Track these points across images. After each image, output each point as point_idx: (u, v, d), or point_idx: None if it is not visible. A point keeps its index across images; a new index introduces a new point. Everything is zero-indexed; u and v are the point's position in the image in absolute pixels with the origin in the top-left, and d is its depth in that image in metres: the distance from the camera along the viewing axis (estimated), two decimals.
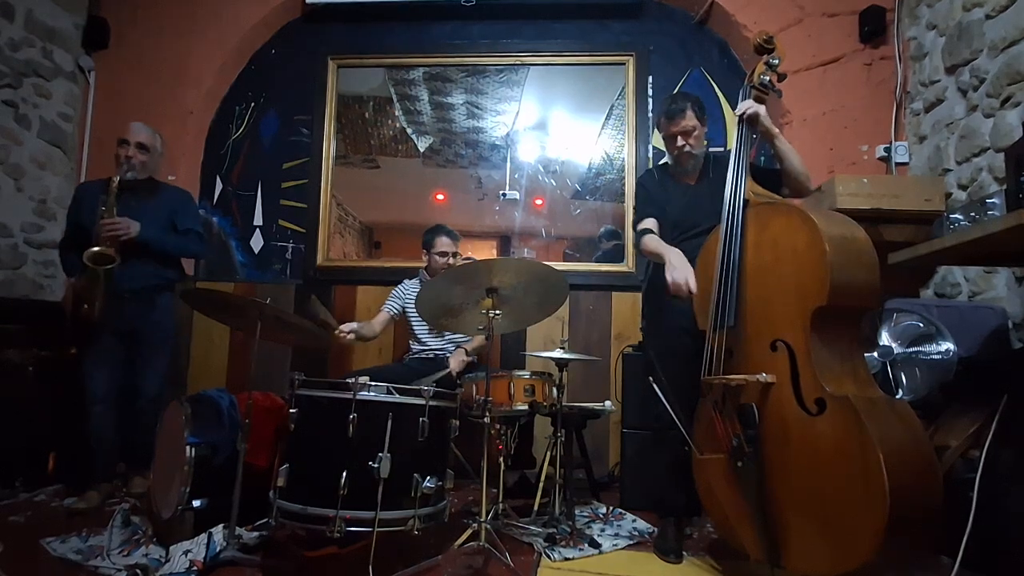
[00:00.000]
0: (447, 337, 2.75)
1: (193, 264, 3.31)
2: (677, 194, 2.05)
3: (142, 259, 2.28)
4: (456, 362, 2.54)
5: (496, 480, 2.03)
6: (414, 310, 2.75)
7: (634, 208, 2.18)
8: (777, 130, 1.88)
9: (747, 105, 1.84)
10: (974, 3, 2.30)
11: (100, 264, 2.14)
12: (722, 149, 3.00)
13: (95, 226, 2.18)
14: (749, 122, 1.84)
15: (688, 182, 2.07)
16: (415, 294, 2.78)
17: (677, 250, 1.86)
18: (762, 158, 3.09)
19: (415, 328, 2.80)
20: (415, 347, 2.81)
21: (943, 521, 1.36)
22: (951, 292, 2.43)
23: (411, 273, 2.92)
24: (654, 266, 2.07)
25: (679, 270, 1.78)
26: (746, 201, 1.72)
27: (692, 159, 2.02)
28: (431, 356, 2.71)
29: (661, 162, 3.06)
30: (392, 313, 2.79)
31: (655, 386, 1.72)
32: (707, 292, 1.73)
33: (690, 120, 1.97)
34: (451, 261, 2.68)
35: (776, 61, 1.86)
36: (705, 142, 2.09)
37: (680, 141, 1.99)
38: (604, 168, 3.25)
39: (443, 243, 2.69)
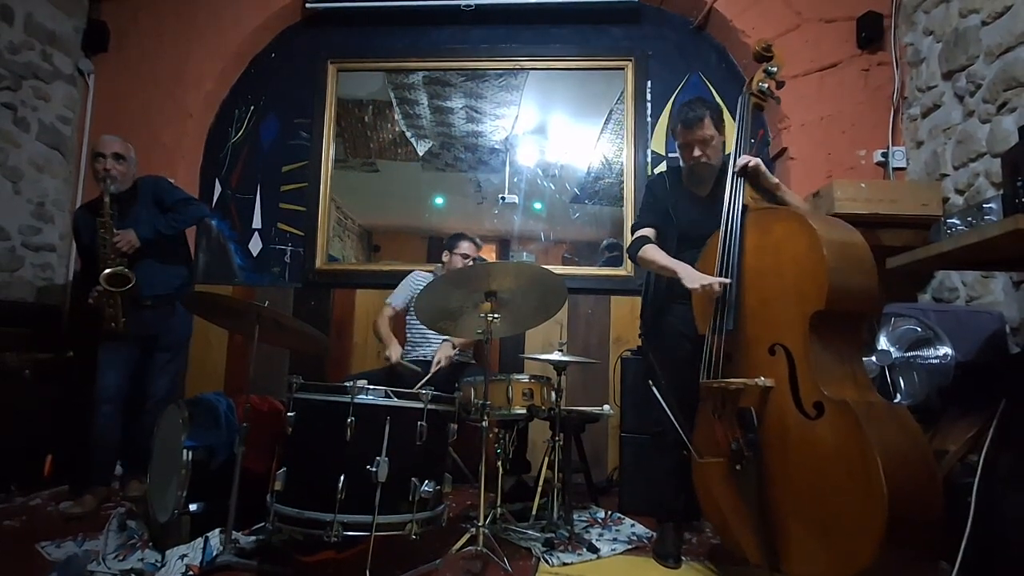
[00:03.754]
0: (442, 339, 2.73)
1: (192, 267, 3.30)
2: (686, 204, 2.00)
3: (154, 261, 2.33)
4: (443, 357, 2.49)
5: (494, 484, 2.02)
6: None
7: (638, 209, 2.15)
8: (776, 180, 1.82)
9: (745, 160, 1.77)
10: (970, 9, 2.32)
11: (119, 286, 2.20)
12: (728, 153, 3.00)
13: (97, 248, 2.23)
14: (752, 175, 1.77)
15: (699, 193, 2.02)
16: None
17: (687, 264, 1.81)
18: None
19: (412, 328, 2.79)
20: (407, 348, 2.78)
21: (943, 526, 1.35)
22: (949, 297, 2.44)
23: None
24: (655, 272, 2.06)
25: (704, 278, 1.72)
26: (745, 206, 1.73)
27: (708, 169, 1.97)
28: (428, 359, 2.69)
29: (666, 167, 3.07)
30: (397, 308, 2.78)
31: (654, 390, 1.72)
32: (707, 296, 1.73)
33: (708, 129, 1.90)
34: (470, 264, 2.69)
35: (775, 69, 1.86)
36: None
37: (697, 151, 1.92)
38: (603, 172, 3.26)
39: (466, 246, 2.71)
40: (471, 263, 2.68)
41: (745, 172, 1.77)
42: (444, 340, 2.62)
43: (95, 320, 2.27)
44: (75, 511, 2.16)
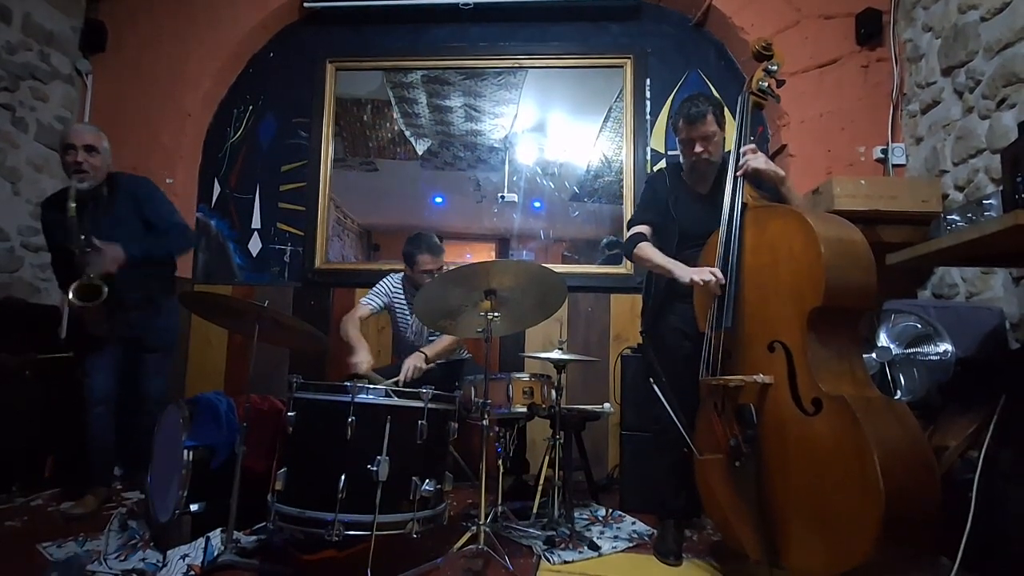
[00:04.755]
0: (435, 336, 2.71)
1: (191, 267, 3.30)
2: (687, 202, 2.00)
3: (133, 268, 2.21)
4: (410, 367, 2.35)
5: (495, 483, 2.02)
6: (402, 308, 2.69)
7: (636, 205, 2.14)
8: (783, 173, 1.80)
9: (746, 160, 1.75)
10: (969, 5, 2.32)
11: (90, 299, 2.04)
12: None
13: (76, 253, 2.05)
14: (753, 177, 1.75)
15: (699, 191, 2.02)
16: (400, 291, 2.70)
17: (679, 263, 1.82)
18: None
19: (400, 326, 2.75)
20: (396, 350, 2.76)
21: (942, 521, 1.36)
22: (949, 293, 2.44)
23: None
24: (649, 270, 2.06)
25: (694, 271, 1.73)
26: (744, 204, 1.72)
27: (709, 166, 1.96)
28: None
29: (665, 165, 3.07)
30: (373, 310, 2.65)
31: (655, 387, 1.72)
32: (707, 294, 1.73)
33: (710, 126, 1.89)
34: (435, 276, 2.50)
35: (775, 67, 1.85)
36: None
37: (698, 147, 1.92)
38: (602, 170, 3.26)
39: (425, 261, 2.51)
40: (435, 275, 2.47)
41: (746, 176, 1.75)
42: (417, 351, 2.48)
43: (83, 323, 2.17)
44: (76, 511, 2.15)
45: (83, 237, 2.04)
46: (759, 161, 1.76)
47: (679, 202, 2.00)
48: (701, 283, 1.70)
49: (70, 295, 2.04)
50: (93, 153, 2.19)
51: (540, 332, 3.01)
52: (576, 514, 2.21)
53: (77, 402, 2.32)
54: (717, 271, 1.69)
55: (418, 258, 2.54)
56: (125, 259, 2.09)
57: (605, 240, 3.23)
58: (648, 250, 1.92)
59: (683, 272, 1.78)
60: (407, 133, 3.37)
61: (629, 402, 2.49)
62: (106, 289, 2.06)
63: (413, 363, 2.38)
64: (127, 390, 2.34)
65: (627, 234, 2.05)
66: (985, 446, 1.56)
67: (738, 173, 1.76)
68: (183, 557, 1.63)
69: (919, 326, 1.89)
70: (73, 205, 2.06)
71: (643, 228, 2.00)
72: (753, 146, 1.78)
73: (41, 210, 2.32)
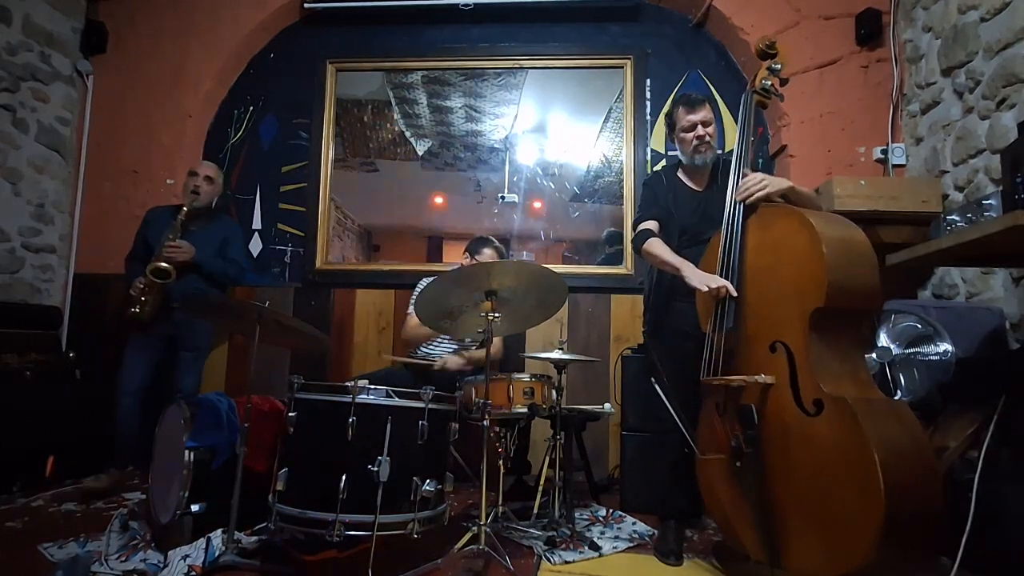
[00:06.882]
0: (444, 343, 2.73)
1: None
2: (685, 199, 2.01)
3: (192, 276, 2.58)
4: (453, 361, 2.51)
5: (495, 483, 2.03)
6: None
7: (637, 206, 2.15)
8: (788, 183, 1.75)
9: (748, 187, 1.70)
10: (969, 6, 2.32)
11: (159, 278, 2.47)
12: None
13: (159, 245, 2.51)
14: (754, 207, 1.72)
15: (696, 187, 2.03)
16: None
17: (690, 263, 1.80)
18: (760, 160, 3.11)
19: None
20: (407, 351, 2.78)
21: (942, 522, 1.36)
22: (949, 293, 2.44)
23: (409, 276, 2.91)
24: (658, 269, 2.06)
25: (708, 278, 1.71)
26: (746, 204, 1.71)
27: (711, 151, 1.99)
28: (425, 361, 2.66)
29: (663, 165, 3.08)
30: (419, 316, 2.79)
31: (657, 387, 1.72)
32: (710, 296, 1.72)
33: (709, 113, 1.98)
34: None
35: (778, 66, 1.85)
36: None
37: (700, 130, 1.97)
38: (602, 171, 3.26)
39: (487, 256, 2.62)
40: None
41: (744, 203, 1.71)
42: (457, 349, 2.62)
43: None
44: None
45: (171, 236, 2.52)
46: (762, 191, 1.69)
47: (678, 200, 2.02)
48: (705, 290, 1.67)
49: (147, 272, 2.46)
50: (210, 182, 2.73)
51: (540, 332, 3.02)
52: (577, 514, 2.21)
53: (81, 399, 2.36)
54: (726, 283, 1.65)
55: (484, 249, 2.68)
56: (192, 258, 2.54)
57: (606, 232, 3.22)
58: (658, 247, 1.92)
59: (693, 275, 1.74)
60: (407, 133, 3.37)
61: (629, 402, 2.49)
62: (174, 272, 2.48)
63: (453, 361, 2.54)
64: (163, 385, 2.54)
65: (634, 232, 2.05)
66: (985, 446, 1.57)
67: (738, 198, 1.72)
68: (184, 558, 1.63)
69: (919, 326, 1.90)
70: (185, 211, 2.58)
71: (652, 224, 2.00)
72: (754, 174, 1.73)
73: (148, 211, 2.79)
